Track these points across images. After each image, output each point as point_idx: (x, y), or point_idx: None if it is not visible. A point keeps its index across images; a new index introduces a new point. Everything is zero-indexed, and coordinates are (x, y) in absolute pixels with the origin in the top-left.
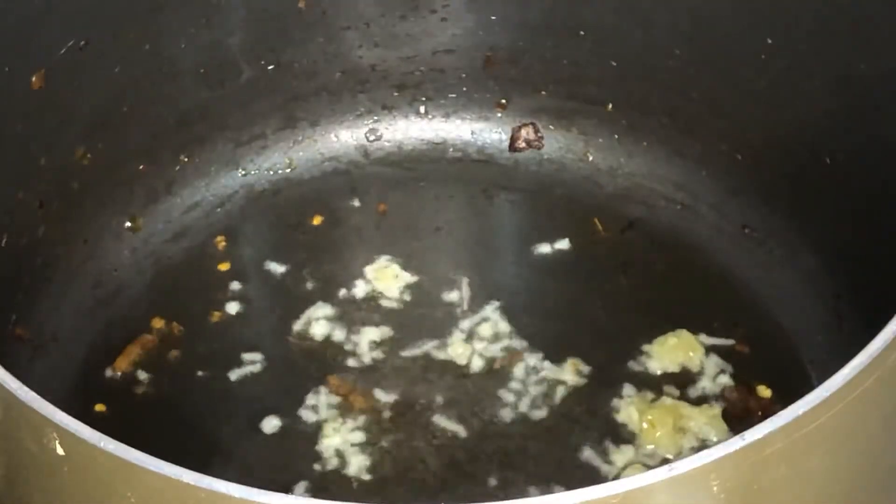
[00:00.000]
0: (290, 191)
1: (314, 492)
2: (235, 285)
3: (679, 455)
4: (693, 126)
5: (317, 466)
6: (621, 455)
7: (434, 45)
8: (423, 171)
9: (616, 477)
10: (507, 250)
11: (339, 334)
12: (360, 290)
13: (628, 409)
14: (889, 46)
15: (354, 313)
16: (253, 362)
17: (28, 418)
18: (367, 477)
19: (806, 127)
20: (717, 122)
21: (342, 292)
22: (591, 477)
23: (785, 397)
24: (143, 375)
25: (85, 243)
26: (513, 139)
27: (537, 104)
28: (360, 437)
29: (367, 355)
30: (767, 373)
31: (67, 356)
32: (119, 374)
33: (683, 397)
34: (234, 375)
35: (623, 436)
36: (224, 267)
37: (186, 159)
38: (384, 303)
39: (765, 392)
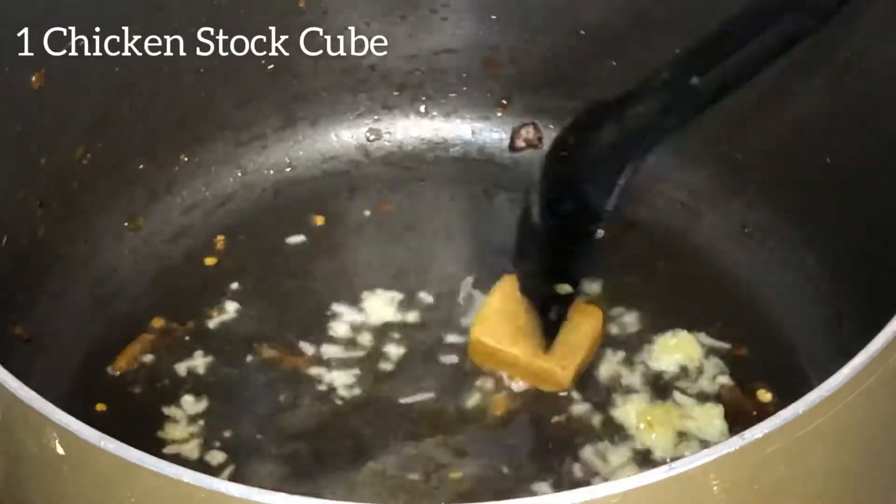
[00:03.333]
0: (290, 191)
1: None
2: (235, 285)
3: (677, 455)
4: (693, 126)
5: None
6: (617, 454)
7: (434, 45)
8: (424, 170)
9: (610, 476)
10: (508, 250)
11: (339, 332)
12: (359, 289)
13: (626, 408)
14: (889, 46)
15: (354, 312)
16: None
17: (28, 418)
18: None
19: (806, 127)
20: (717, 122)
21: (342, 291)
22: (587, 476)
23: (784, 397)
24: (143, 375)
25: (85, 243)
26: (513, 139)
27: (537, 104)
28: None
29: (366, 354)
30: (767, 373)
31: (67, 356)
32: (119, 373)
33: (682, 397)
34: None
35: (621, 436)
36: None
37: (186, 159)
38: (384, 301)
39: (764, 392)
